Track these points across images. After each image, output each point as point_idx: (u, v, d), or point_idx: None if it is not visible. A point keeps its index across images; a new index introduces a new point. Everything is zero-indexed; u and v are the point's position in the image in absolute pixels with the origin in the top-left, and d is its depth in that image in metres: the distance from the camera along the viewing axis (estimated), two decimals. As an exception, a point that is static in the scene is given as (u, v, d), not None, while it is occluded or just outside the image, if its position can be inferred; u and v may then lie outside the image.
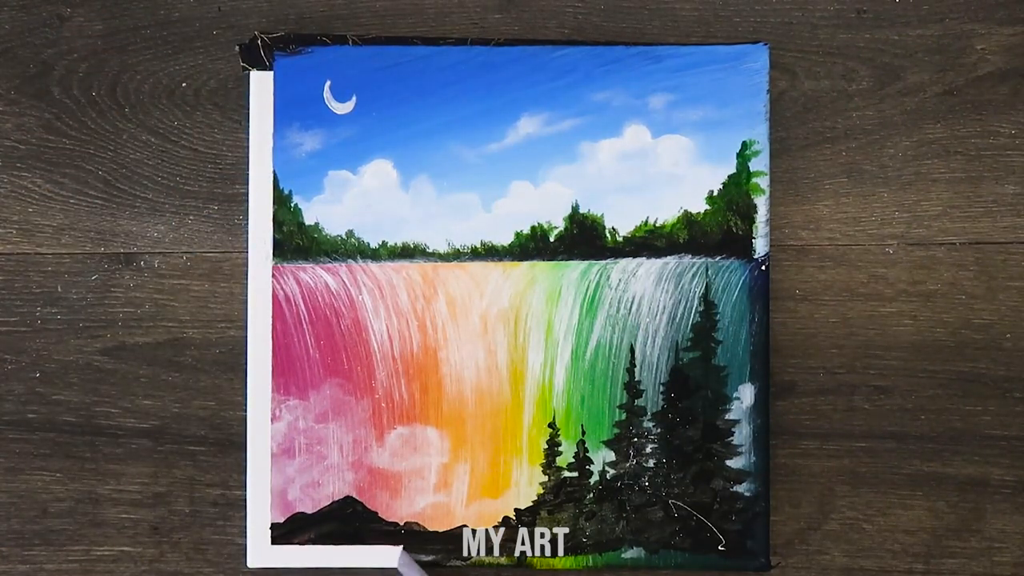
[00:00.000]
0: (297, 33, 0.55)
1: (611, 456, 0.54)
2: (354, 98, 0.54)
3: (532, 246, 0.54)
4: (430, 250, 0.54)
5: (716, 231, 0.54)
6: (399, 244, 0.54)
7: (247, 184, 0.55)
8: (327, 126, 0.54)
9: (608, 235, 0.54)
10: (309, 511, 0.54)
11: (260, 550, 0.54)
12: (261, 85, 0.54)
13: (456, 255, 0.54)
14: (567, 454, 0.54)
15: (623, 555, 0.54)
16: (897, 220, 0.56)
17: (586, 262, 0.54)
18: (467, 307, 0.54)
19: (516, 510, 0.54)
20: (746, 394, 0.54)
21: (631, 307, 0.54)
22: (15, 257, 0.56)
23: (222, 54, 0.56)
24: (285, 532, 0.54)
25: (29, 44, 0.56)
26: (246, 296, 0.55)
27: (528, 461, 0.54)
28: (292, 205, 0.54)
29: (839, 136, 0.56)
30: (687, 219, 0.54)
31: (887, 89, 0.56)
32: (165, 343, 0.56)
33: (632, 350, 0.54)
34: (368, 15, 0.56)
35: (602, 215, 0.54)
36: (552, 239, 0.54)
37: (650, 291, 0.54)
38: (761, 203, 0.54)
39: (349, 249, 0.54)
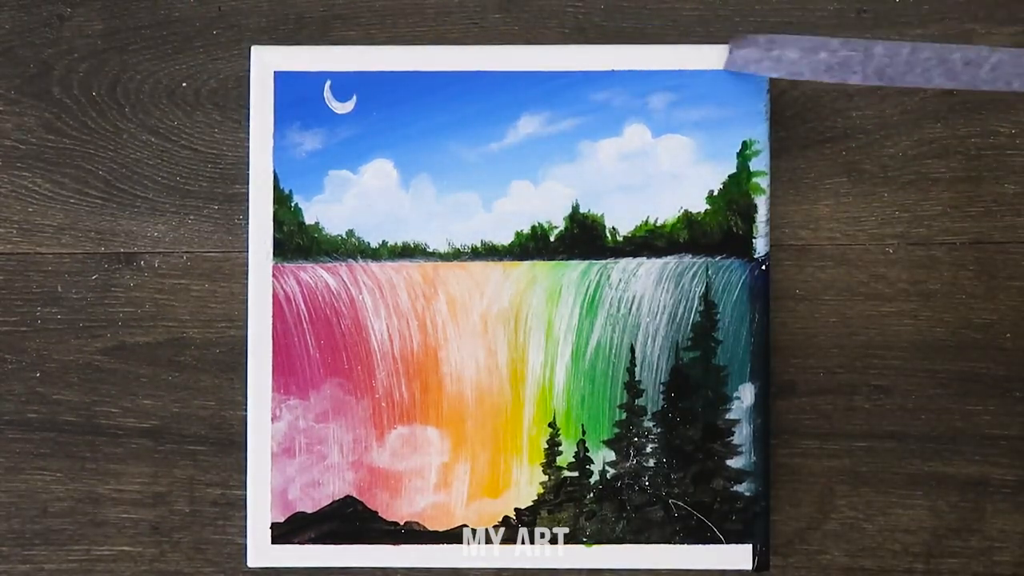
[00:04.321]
0: (297, 33, 0.55)
1: (611, 456, 0.54)
2: (354, 98, 0.54)
3: (532, 246, 0.54)
4: (430, 250, 0.54)
5: (716, 231, 0.54)
6: (399, 244, 0.54)
7: (247, 184, 0.55)
8: (327, 126, 0.54)
9: (608, 235, 0.54)
10: (309, 511, 0.54)
11: (260, 550, 0.54)
12: (261, 85, 0.54)
13: (456, 255, 0.54)
14: (567, 454, 0.54)
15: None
16: (897, 220, 0.56)
17: (586, 262, 0.54)
18: (467, 307, 0.54)
19: (516, 509, 0.54)
20: (746, 394, 0.54)
21: (631, 307, 0.54)
22: (15, 257, 0.56)
23: (222, 54, 0.56)
24: (285, 532, 0.54)
25: (29, 44, 0.56)
26: (246, 296, 0.55)
27: (528, 461, 0.54)
28: (292, 205, 0.54)
29: (839, 136, 0.56)
30: (687, 219, 0.54)
31: (887, 89, 0.55)
32: (165, 343, 0.56)
33: (632, 350, 0.54)
34: (368, 15, 0.56)
35: (602, 215, 0.54)
36: (552, 239, 0.54)
37: (650, 291, 0.54)
38: (761, 203, 0.54)
39: (349, 249, 0.54)
